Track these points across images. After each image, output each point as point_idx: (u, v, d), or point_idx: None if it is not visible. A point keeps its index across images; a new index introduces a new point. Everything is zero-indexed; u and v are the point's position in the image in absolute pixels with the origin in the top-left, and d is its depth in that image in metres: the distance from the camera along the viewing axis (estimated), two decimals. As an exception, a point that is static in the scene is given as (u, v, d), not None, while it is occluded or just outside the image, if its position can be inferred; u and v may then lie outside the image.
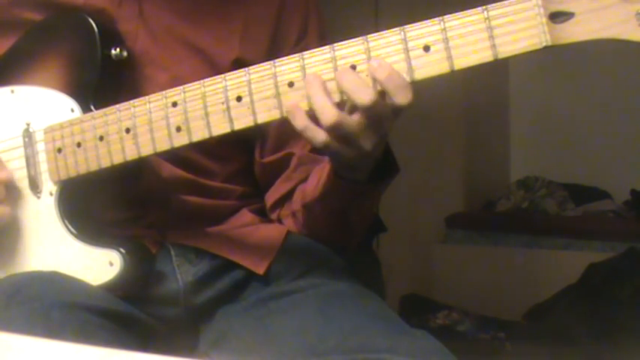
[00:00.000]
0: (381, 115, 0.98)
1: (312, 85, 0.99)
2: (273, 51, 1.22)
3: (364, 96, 0.97)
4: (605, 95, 3.57)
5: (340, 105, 0.99)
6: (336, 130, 0.98)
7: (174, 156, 1.17)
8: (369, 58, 0.97)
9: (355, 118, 0.99)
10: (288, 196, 1.26)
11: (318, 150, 1.08)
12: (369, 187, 1.12)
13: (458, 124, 3.46)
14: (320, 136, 1.00)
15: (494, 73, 3.55)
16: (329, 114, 0.98)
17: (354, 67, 0.98)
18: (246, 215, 1.27)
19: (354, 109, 0.99)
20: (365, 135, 1.00)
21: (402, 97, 0.96)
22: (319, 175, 1.18)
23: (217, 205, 1.26)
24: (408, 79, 0.96)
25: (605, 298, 2.79)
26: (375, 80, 0.97)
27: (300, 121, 1.00)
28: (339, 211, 1.18)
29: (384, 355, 1.03)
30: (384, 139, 1.03)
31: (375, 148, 1.02)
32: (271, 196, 1.28)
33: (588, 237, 3.20)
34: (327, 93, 0.98)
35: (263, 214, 1.30)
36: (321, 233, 1.24)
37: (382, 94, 0.97)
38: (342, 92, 0.98)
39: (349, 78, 0.98)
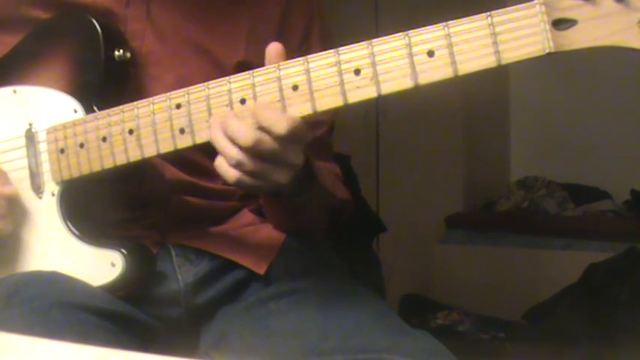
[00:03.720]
0: (273, 151, 0.99)
1: (213, 129, 1.02)
2: None
3: (244, 139, 0.99)
4: (605, 95, 3.57)
5: None
6: (240, 167, 1.00)
7: (176, 158, 1.17)
8: (373, 63, 0.97)
9: (254, 159, 1.00)
10: None
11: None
12: (294, 199, 1.14)
13: (458, 124, 3.46)
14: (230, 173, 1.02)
15: (494, 74, 3.52)
16: (231, 153, 1.00)
17: (357, 72, 0.98)
18: (246, 215, 1.28)
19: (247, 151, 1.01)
20: (270, 170, 1.01)
21: (279, 129, 0.98)
22: None
23: (218, 206, 1.26)
24: (411, 83, 0.96)
25: (605, 298, 2.79)
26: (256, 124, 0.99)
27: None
28: (282, 215, 1.22)
29: (385, 355, 1.03)
30: (294, 169, 1.03)
31: (285, 181, 1.02)
32: None
33: (588, 237, 3.20)
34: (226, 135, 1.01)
35: (264, 214, 1.30)
36: (282, 228, 1.26)
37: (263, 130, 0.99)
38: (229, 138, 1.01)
39: (231, 124, 1.00)
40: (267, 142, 0.98)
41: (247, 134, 0.99)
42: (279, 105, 1.00)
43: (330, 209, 1.26)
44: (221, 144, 1.01)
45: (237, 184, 1.03)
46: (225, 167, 1.02)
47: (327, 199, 1.23)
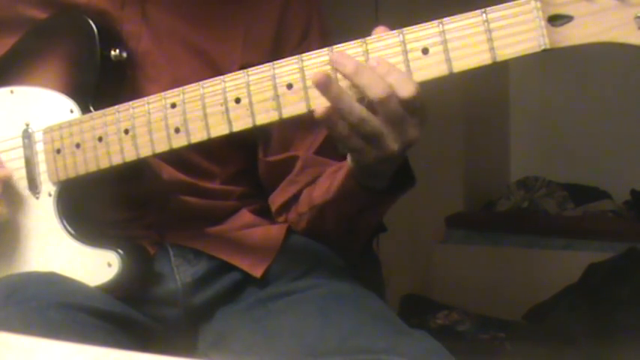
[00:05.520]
0: (399, 113, 0.98)
1: (336, 90, 0.98)
2: (276, 52, 1.22)
3: (379, 90, 0.96)
4: (605, 95, 3.56)
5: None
6: (360, 127, 0.98)
7: (173, 158, 1.17)
8: (367, 60, 0.97)
9: (379, 117, 0.98)
10: (294, 200, 1.25)
11: (342, 149, 1.06)
12: (386, 197, 1.12)
13: (458, 124, 3.45)
14: (342, 126, 0.98)
15: (494, 73, 3.54)
16: (356, 110, 0.97)
17: None
18: (245, 215, 1.27)
19: (373, 106, 0.98)
20: (388, 135, 0.99)
21: (405, 90, 0.96)
22: (332, 178, 1.17)
23: (217, 205, 1.25)
24: None
25: (605, 298, 2.79)
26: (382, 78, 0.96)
27: (333, 93, 0.98)
28: (348, 217, 1.18)
29: (384, 355, 1.03)
30: (409, 144, 1.02)
31: (398, 153, 1.01)
32: (277, 200, 1.28)
33: (588, 237, 3.19)
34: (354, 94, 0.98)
35: (263, 214, 1.29)
36: (328, 237, 1.23)
37: None
38: (356, 88, 0.97)
39: (366, 73, 0.97)
40: (395, 101, 0.96)
41: (384, 86, 0.96)
42: (402, 68, 0.97)
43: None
44: (347, 99, 0.98)
45: (345, 141, 1.00)
46: (336, 122, 0.98)
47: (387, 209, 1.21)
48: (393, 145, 1.00)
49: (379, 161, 1.02)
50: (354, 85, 0.97)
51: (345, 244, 1.24)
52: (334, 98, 0.98)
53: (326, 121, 0.99)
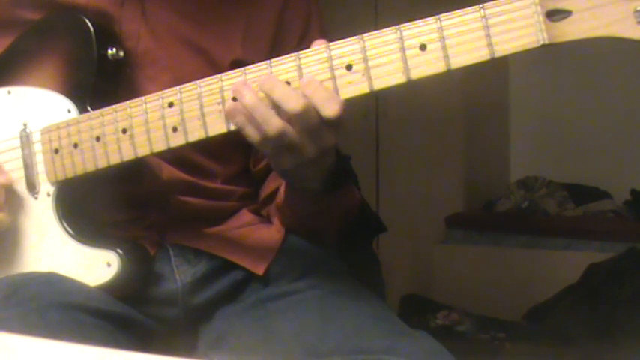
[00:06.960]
0: (315, 124, 0.98)
1: (248, 92, 1.01)
2: (275, 51, 1.21)
3: (294, 104, 0.97)
4: (605, 95, 3.57)
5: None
6: (278, 139, 0.99)
7: (175, 157, 1.17)
8: (365, 58, 0.97)
9: (296, 128, 0.99)
10: (274, 194, 1.26)
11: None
12: (324, 197, 1.12)
13: (458, 124, 3.45)
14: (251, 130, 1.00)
15: (494, 73, 3.55)
16: (273, 124, 0.99)
17: (349, 67, 0.98)
18: (245, 215, 1.27)
19: (289, 118, 0.99)
20: (305, 145, 1.00)
21: (329, 110, 0.97)
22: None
23: (217, 206, 1.25)
24: (404, 78, 0.95)
25: (605, 298, 2.79)
26: (304, 95, 0.98)
27: (240, 119, 1.01)
28: (304, 215, 1.19)
29: (383, 355, 1.03)
30: (325, 149, 1.02)
31: (319, 158, 1.02)
32: (262, 194, 1.29)
33: (588, 237, 3.19)
34: (270, 105, 0.99)
35: (262, 215, 1.30)
36: (297, 231, 1.24)
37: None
38: (273, 102, 0.99)
39: (279, 88, 0.99)
40: (314, 115, 0.97)
41: (297, 99, 0.97)
42: (329, 85, 0.98)
43: (348, 212, 1.25)
44: (262, 110, 0.99)
45: (273, 156, 1.02)
46: (257, 136, 1.00)
47: (351, 201, 1.22)
48: (309, 152, 1.01)
49: (297, 166, 1.03)
50: (270, 100, 0.99)
51: (314, 238, 1.24)
52: (250, 106, 1.00)
53: (231, 118, 1.02)
